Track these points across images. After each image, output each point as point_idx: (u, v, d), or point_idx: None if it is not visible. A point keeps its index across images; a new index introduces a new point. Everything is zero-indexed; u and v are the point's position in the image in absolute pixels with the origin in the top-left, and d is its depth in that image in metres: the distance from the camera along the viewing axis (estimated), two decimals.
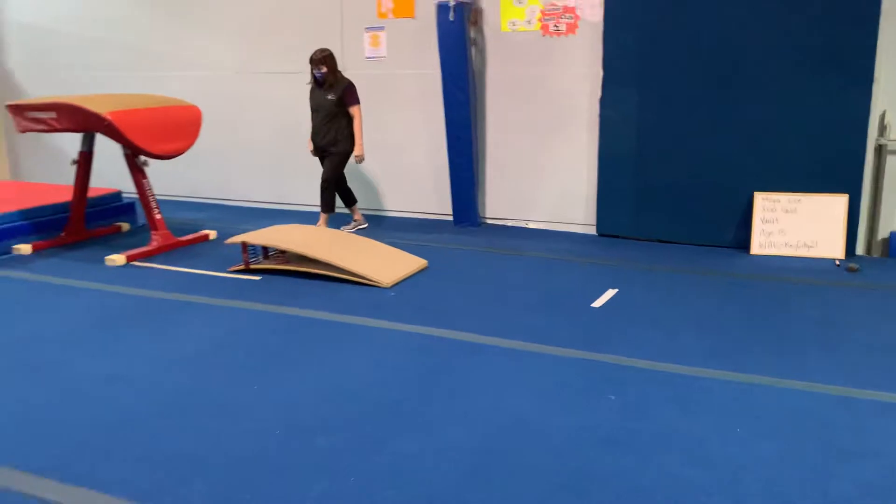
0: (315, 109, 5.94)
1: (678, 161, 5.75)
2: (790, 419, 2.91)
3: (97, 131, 5.32)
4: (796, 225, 5.47)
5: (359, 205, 6.46)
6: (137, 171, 5.56)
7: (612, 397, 3.11)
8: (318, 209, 6.18)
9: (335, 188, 6.08)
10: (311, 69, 5.84)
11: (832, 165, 5.36)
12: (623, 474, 2.52)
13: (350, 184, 6.31)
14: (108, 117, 5.05)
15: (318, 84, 5.87)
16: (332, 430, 2.83)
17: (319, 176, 6.03)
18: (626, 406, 3.03)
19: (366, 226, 6.33)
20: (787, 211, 5.50)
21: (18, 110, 5.46)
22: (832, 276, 4.94)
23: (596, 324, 4.02)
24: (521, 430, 2.83)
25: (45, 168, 8.52)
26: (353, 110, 5.89)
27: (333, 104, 5.84)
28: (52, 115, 5.27)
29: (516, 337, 3.80)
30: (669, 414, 2.96)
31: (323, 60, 5.80)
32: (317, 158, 6.10)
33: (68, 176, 8.03)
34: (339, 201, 6.23)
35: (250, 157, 7.42)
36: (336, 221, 6.24)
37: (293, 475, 2.52)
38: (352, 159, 6.01)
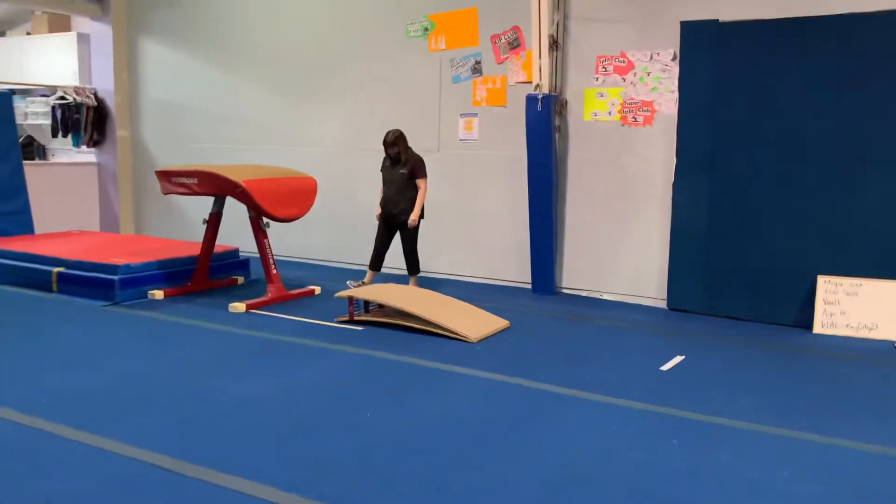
0: (388, 182, 6.64)
1: (746, 243, 6.22)
2: (832, 469, 3.32)
3: (231, 196, 6.18)
4: (857, 308, 5.83)
5: (442, 270, 7.12)
6: (260, 232, 6.39)
7: (675, 441, 3.59)
8: (406, 272, 6.85)
9: (384, 250, 6.75)
10: (388, 150, 6.58)
11: (891, 253, 5.74)
12: (685, 498, 2.99)
13: (441, 250, 6.99)
14: (243, 184, 5.92)
15: (393, 162, 6.61)
16: (437, 451, 3.41)
17: (416, 248, 6.72)
18: (687, 449, 3.50)
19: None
20: (848, 294, 5.87)
21: (165, 176, 6.40)
22: (888, 356, 5.27)
23: (663, 383, 4.50)
24: (596, 462, 3.34)
25: (163, 224, 9.55)
26: (420, 182, 6.59)
27: (405, 177, 6.55)
28: (194, 180, 6.18)
29: (591, 390, 4.31)
30: (724, 457, 3.41)
31: (395, 142, 6.53)
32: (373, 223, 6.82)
33: (182, 232, 9.05)
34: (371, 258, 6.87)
35: (350, 223, 8.22)
36: (423, 282, 6.90)
37: (406, 482, 3.10)
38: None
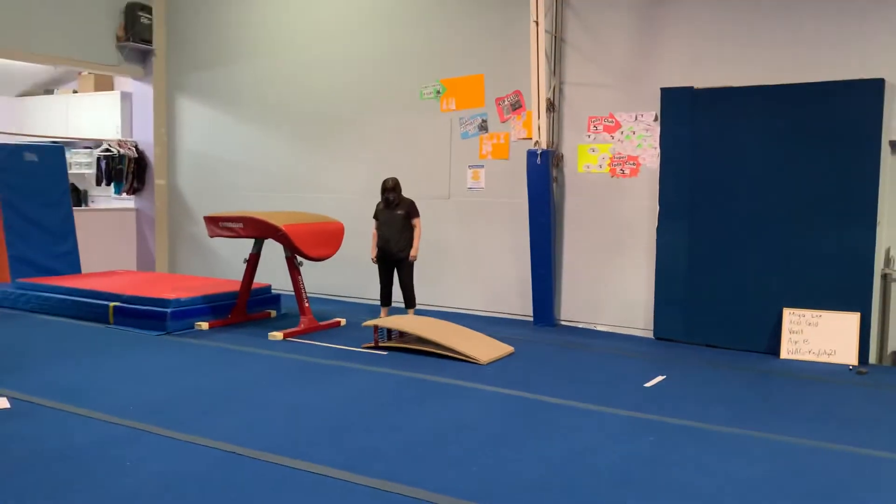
0: (385, 224, 7.41)
1: (722, 280, 7.08)
2: (776, 457, 4.15)
3: (273, 238, 7.07)
4: (818, 336, 6.67)
5: (453, 304, 7.96)
6: (294, 270, 7.27)
7: (651, 438, 4.41)
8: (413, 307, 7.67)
9: (391, 287, 7.55)
10: (387, 194, 7.37)
11: (846, 289, 6.59)
12: (655, 478, 3.82)
13: (452, 286, 7.83)
14: (283, 228, 6.82)
15: (390, 204, 7.41)
16: (458, 444, 4.24)
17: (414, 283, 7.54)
18: (662, 444, 4.33)
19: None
20: (810, 324, 6.72)
21: (213, 220, 7.30)
22: (843, 377, 6.10)
23: (645, 396, 5.34)
24: (586, 452, 4.17)
25: (195, 264, 10.43)
26: (417, 222, 7.45)
27: (403, 218, 7.39)
28: (240, 224, 7.08)
29: (584, 400, 5.14)
30: (692, 449, 4.24)
31: (394, 187, 7.40)
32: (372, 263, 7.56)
33: (213, 271, 9.90)
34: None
35: (368, 262, 9.08)
36: (437, 315, 7.75)
37: (437, 464, 3.93)
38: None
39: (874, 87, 6.42)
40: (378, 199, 7.59)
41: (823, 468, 4.01)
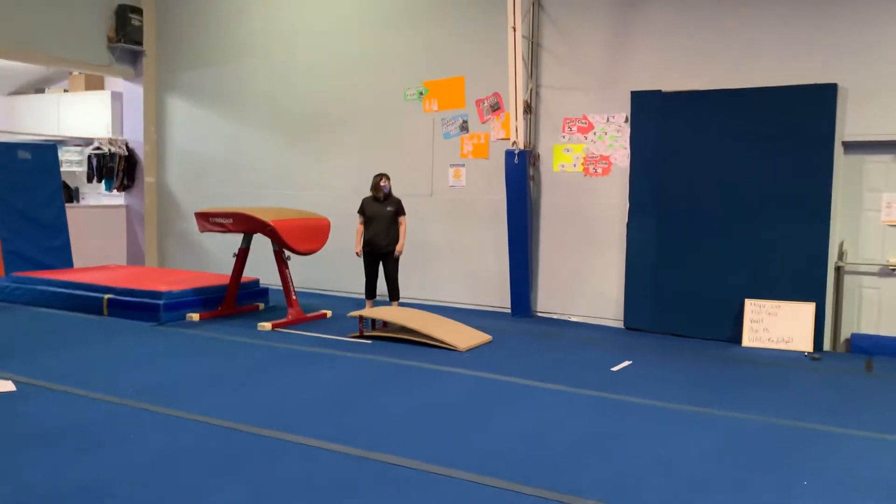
0: (374, 219, 7.68)
1: (688, 273, 7.50)
2: (728, 430, 4.55)
3: (261, 233, 7.40)
4: (777, 325, 7.10)
5: (436, 297, 8.33)
6: (282, 264, 7.60)
7: (613, 414, 4.80)
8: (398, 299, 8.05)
9: (377, 280, 7.86)
10: (382, 182, 7.62)
11: (802, 281, 7.03)
12: (614, 447, 4.21)
13: (433, 280, 8.20)
14: (272, 224, 7.15)
15: (385, 197, 7.70)
16: (439, 419, 4.61)
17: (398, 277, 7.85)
18: (622, 418, 4.72)
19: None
20: (769, 314, 7.15)
21: (204, 216, 7.62)
22: (798, 362, 6.53)
23: (611, 378, 5.73)
24: (553, 425, 4.55)
25: (183, 259, 10.73)
26: (403, 220, 7.78)
27: (392, 215, 7.72)
28: (230, 220, 7.40)
29: (553, 382, 5.52)
30: (651, 423, 4.63)
31: (388, 178, 7.74)
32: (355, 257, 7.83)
33: (200, 265, 10.19)
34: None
35: (353, 257, 9.42)
36: (419, 307, 8.11)
37: (421, 437, 4.29)
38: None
39: (828, 92, 6.85)
40: (363, 196, 7.92)
41: (769, 439, 4.41)
